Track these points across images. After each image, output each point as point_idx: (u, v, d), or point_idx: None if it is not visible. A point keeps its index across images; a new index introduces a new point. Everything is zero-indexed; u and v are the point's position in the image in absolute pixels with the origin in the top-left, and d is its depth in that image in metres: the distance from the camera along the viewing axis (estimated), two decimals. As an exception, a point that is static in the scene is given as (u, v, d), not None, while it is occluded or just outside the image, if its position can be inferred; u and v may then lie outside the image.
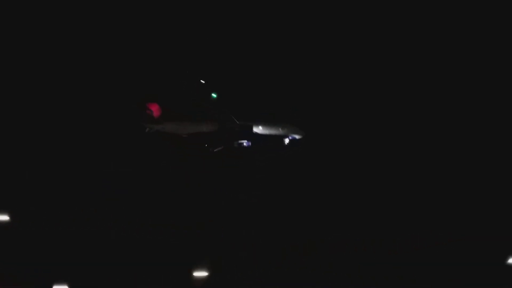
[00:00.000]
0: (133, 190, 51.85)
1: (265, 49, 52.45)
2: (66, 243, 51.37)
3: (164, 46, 51.69)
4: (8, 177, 50.58)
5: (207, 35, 51.51)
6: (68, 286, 50.96)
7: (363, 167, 53.92)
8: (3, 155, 50.57)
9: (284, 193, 53.03)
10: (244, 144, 51.72)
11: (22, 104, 51.05)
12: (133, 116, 51.04)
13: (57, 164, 51.58)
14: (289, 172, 52.98)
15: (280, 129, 51.48)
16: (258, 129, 51.55)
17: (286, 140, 51.07)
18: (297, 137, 51.51)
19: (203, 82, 48.88)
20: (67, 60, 51.20)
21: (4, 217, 49.29)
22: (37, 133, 51.18)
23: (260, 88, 52.67)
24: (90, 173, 51.56)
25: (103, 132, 51.55)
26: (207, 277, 52.27)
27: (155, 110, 50.38)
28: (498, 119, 53.63)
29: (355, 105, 53.88)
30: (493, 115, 53.71)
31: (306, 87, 53.18)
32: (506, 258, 51.93)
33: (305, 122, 52.23)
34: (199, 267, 51.52)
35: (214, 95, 50.10)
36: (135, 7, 50.89)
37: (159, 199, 52.20)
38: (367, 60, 53.36)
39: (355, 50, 53.17)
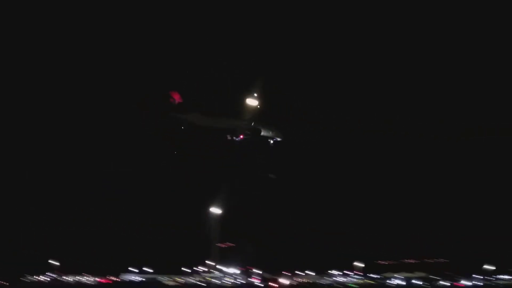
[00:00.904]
0: (133, 190, 51.85)
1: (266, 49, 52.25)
2: (66, 243, 51.42)
3: (164, 46, 51.61)
4: (8, 177, 50.60)
5: (206, 35, 51.41)
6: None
7: (363, 166, 53.96)
8: (3, 155, 50.56)
9: (284, 192, 53.05)
10: (237, 140, 51.59)
11: (22, 104, 50.98)
12: (133, 116, 50.90)
13: (57, 164, 51.55)
14: (289, 172, 52.95)
15: (269, 131, 51.16)
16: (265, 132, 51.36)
17: (272, 142, 50.98)
18: (278, 139, 51.36)
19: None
20: (67, 61, 51.09)
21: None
22: (37, 133, 51.13)
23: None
24: (90, 173, 51.54)
25: (103, 132, 51.47)
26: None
27: (177, 97, 49.90)
28: (498, 119, 53.58)
29: (355, 106, 53.80)
30: (493, 116, 53.66)
31: (300, 88, 52.99)
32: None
33: (300, 123, 52.04)
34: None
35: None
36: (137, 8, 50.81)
37: (159, 199, 52.21)
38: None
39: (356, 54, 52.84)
